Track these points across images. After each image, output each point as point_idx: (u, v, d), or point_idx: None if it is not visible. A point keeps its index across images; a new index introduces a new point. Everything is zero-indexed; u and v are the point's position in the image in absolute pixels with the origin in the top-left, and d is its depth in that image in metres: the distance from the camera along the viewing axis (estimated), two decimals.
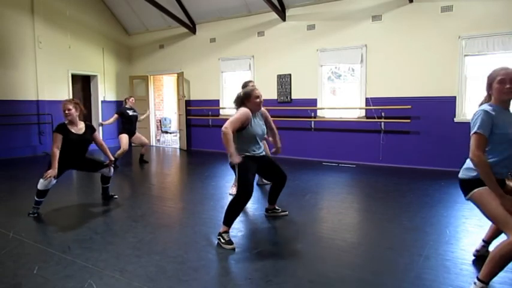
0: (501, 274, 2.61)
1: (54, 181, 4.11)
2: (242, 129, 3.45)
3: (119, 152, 7.11)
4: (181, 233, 3.61)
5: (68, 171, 4.43)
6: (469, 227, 3.68)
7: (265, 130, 3.75)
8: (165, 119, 12.35)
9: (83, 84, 10.50)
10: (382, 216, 4.12)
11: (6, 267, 2.80)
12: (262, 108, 3.72)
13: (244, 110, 3.47)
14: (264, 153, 3.68)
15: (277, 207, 4.15)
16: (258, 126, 3.58)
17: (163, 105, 12.39)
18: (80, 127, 4.31)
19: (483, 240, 2.91)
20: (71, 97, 9.76)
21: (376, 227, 3.82)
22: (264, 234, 3.60)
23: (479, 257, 2.86)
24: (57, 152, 4.07)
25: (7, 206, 4.57)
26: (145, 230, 3.63)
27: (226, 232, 3.30)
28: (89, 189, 5.63)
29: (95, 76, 10.44)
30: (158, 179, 6.55)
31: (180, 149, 10.21)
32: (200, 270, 2.75)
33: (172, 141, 11.67)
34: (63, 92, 9.61)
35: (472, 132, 2.36)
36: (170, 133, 12.09)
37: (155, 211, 4.36)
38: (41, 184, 4.07)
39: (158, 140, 11.83)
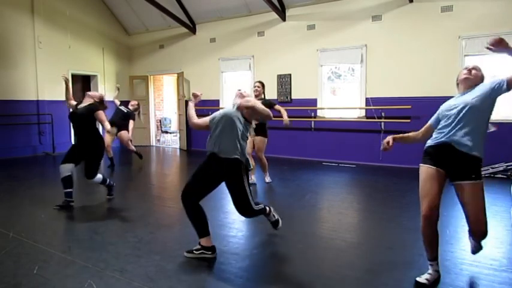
0: (501, 274, 2.62)
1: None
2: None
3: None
4: (181, 233, 3.61)
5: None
6: None
7: None
8: (165, 119, 12.35)
9: (83, 84, 10.49)
10: (382, 216, 4.12)
11: (6, 267, 2.80)
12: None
13: None
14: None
15: None
16: None
17: (163, 105, 12.38)
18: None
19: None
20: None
21: (376, 227, 3.82)
22: (263, 234, 3.60)
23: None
24: None
25: (7, 206, 4.57)
26: (145, 230, 3.63)
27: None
28: (88, 189, 5.62)
29: (95, 76, 10.44)
30: (158, 179, 6.55)
31: (180, 149, 10.21)
32: (200, 270, 2.75)
33: (172, 141, 11.66)
34: (63, 92, 9.57)
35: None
36: (170, 133, 12.08)
37: (155, 211, 4.36)
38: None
39: (158, 140, 11.82)
